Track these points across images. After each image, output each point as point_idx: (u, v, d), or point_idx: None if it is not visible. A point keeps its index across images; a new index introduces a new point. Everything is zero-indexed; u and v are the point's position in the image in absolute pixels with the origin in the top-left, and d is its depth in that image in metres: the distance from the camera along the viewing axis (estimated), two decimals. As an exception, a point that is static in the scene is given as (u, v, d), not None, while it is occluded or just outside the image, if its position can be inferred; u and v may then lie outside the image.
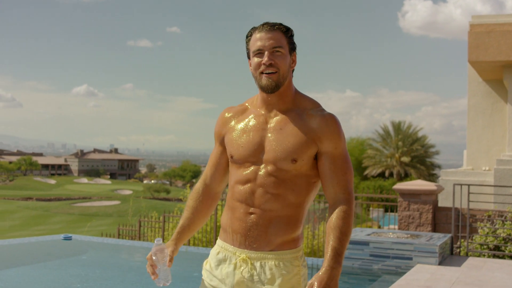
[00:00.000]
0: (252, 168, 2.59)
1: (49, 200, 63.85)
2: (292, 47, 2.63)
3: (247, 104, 2.74)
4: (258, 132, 2.61)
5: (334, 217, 2.51)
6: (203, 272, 2.74)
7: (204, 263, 2.75)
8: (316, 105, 2.63)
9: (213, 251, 2.71)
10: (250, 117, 2.67)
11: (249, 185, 2.58)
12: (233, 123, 2.71)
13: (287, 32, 2.60)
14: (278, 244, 2.56)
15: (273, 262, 2.54)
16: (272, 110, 2.63)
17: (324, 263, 2.43)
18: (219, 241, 2.71)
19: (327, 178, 2.57)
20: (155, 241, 2.63)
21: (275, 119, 2.61)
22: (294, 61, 2.64)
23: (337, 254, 2.44)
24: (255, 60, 2.58)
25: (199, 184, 2.84)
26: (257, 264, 2.56)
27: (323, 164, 2.57)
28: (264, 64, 2.54)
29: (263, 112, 2.64)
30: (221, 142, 2.76)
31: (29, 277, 7.22)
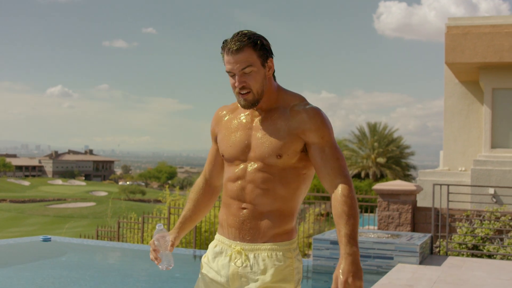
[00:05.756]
0: (241, 166, 2.68)
1: (23, 201, 63.19)
2: (265, 56, 2.64)
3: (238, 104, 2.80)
4: (244, 131, 2.70)
5: (338, 204, 2.53)
6: (202, 265, 2.83)
7: (203, 256, 2.85)
8: (300, 100, 2.69)
9: (211, 244, 2.82)
10: (238, 116, 2.76)
11: (239, 182, 2.67)
12: (224, 122, 2.82)
13: (256, 46, 2.60)
14: (271, 236, 2.62)
15: (266, 254, 2.61)
16: (257, 110, 2.70)
17: (341, 252, 2.46)
18: (216, 235, 2.81)
19: (321, 168, 2.61)
20: (157, 227, 2.79)
21: (260, 118, 2.68)
22: (270, 68, 2.67)
23: (351, 239, 2.46)
24: (230, 79, 2.66)
25: (200, 179, 3.00)
26: (251, 256, 2.63)
27: (313, 155, 2.62)
28: (237, 87, 2.62)
29: (248, 112, 2.73)
30: (216, 140, 2.88)
31: (8, 279, 7.14)
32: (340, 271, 2.41)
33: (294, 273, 2.63)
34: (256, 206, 2.62)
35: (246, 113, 2.74)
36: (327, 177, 2.59)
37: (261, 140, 2.63)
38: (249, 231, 2.64)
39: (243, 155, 2.67)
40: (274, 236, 2.62)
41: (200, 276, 2.83)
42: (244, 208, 2.65)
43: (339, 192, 2.54)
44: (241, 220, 2.65)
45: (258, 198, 2.62)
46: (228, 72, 2.63)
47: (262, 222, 2.62)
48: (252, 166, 2.64)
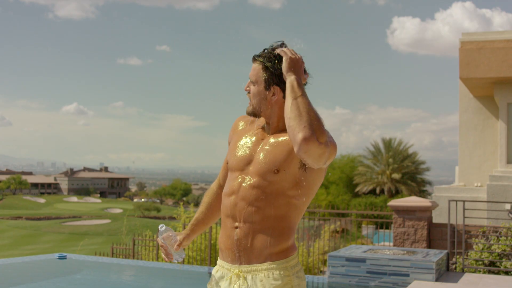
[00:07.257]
0: (239, 178, 2.72)
1: (39, 219, 63.37)
2: (271, 81, 2.68)
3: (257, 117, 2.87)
4: (252, 146, 2.76)
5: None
6: None
7: (208, 283, 2.86)
8: None
9: (214, 270, 2.85)
10: (253, 130, 2.83)
11: (233, 197, 2.71)
12: (239, 130, 2.90)
13: (267, 69, 2.67)
14: (267, 256, 2.64)
15: (263, 274, 2.63)
16: (270, 128, 2.76)
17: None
18: (218, 260, 2.84)
19: None
20: (159, 228, 2.91)
21: (269, 137, 2.74)
22: (274, 94, 2.69)
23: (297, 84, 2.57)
24: None
25: (214, 184, 3.08)
26: (249, 277, 2.65)
27: None
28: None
29: (263, 128, 2.80)
30: None
31: (24, 297, 7.16)
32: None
33: None
34: (247, 225, 2.65)
35: (260, 129, 2.80)
36: None
37: (263, 156, 2.68)
38: (244, 252, 2.66)
39: (244, 167, 2.72)
40: (269, 255, 2.64)
41: None
42: (237, 227, 2.68)
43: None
44: (235, 241, 2.68)
45: (250, 216, 2.65)
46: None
47: (256, 242, 2.64)
48: (248, 181, 2.68)
